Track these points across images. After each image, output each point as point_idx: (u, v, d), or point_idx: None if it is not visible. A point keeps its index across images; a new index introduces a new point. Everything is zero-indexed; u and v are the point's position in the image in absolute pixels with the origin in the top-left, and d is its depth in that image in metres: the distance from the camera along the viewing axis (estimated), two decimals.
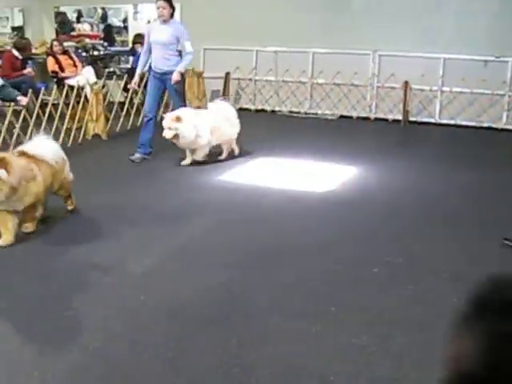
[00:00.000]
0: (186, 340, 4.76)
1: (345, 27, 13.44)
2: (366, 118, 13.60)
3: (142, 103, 12.88)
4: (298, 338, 4.78)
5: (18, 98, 6.20)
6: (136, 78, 10.30)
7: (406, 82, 13.00)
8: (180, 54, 10.11)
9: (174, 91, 10.15)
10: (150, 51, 10.03)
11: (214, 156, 10.01)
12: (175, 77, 9.82)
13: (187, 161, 9.75)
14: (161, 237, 6.84)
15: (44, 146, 7.12)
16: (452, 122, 12.88)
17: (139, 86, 12.89)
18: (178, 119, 9.22)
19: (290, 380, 4.26)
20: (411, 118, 13.24)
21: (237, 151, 10.31)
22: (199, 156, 9.71)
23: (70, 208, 7.61)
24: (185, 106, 10.31)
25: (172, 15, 9.99)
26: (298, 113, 14.12)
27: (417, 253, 6.42)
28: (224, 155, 10.13)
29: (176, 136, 9.28)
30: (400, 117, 13.21)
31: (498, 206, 7.87)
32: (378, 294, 5.50)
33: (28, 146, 6.98)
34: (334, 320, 5.04)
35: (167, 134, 9.23)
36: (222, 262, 6.13)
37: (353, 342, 4.71)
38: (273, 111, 14.32)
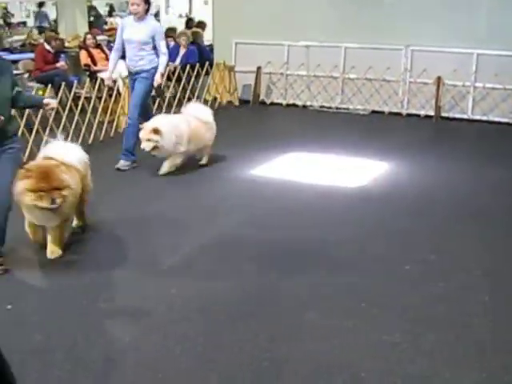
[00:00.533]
0: (216, 334, 4.80)
1: (377, 22, 13.33)
2: (398, 114, 13.49)
3: (173, 97, 12.94)
4: (329, 334, 4.79)
5: (45, 101, 5.89)
6: (108, 75, 9.62)
7: (439, 78, 12.89)
8: (156, 53, 9.25)
9: (139, 95, 9.22)
10: (122, 49, 9.28)
11: (195, 162, 9.41)
12: (158, 79, 9.24)
13: (164, 169, 8.91)
14: (192, 231, 6.88)
15: (69, 150, 6.63)
16: (484, 118, 12.74)
17: (170, 80, 12.97)
18: (156, 131, 8.51)
19: (321, 376, 4.27)
20: (443, 114, 13.11)
21: (205, 160, 9.49)
22: (170, 166, 8.92)
23: (79, 224, 6.85)
24: (145, 115, 9.32)
25: (147, 11, 9.18)
26: (330, 108, 14.05)
27: (448, 250, 6.38)
28: (205, 160, 9.44)
29: (155, 148, 8.61)
30: (432, 112, 13.10)
31: None
32: (409, 290, 5.49)
33: (53, 151, 6.41)
34: (365, 317, 5.05)
35: (146, 146, 8.57)
36: (253, 257, 6.15)
37: (384, 339, 4.71)
38: (304, 106, 14.27)
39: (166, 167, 8.87)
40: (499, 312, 5.15)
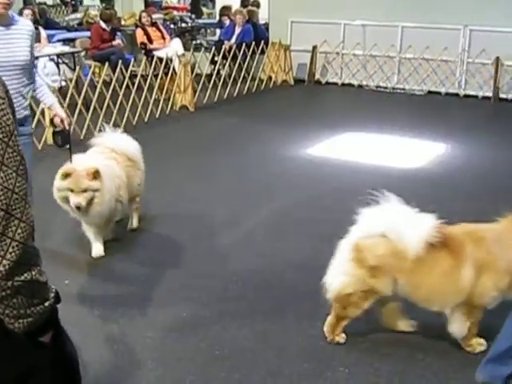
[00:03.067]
0: (273, 313, 4.81)
1: (435, 1, 13.15)
2: (455, 95, 13.31)
3: (229, 75, 12.95)
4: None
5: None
6: None
7: (498, 58, 12.67)
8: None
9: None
10: None
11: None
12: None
13: (98, 248, 5.79)
14: (249, 209, 6.90)
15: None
16: None
17: (226, 58, 12.98)
18: (96, 175, 5.38)
19: (378, 358, 4.25)
20: (502, 95, 12.89)
21: (135, 223, 6.39)
22: (110, 231, 6.05)
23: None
24: None
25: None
26: (386, 88, 13.93)
27: None
28: (135, 223, 6.38)
29: (91, 203, 5.44)
30: (490, 94, 12.88)
31: None
32: None
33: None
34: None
35: (82, 200, 5.34)
36: (310, 236, 6.15)
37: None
38: (360, 86, 14.16)
39: (100, 240, 5.82)
40: None
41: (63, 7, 21.82)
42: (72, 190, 5.34)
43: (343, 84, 14.31)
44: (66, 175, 5.33)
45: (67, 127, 5.27)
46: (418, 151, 9.12)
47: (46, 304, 2.08)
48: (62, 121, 5.17)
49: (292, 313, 4.81)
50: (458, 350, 4.30)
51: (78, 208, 5.36)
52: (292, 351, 4.33)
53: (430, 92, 13.49)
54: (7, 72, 4.62)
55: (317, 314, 4.68)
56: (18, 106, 4.57)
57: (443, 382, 4.03)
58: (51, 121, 5.47)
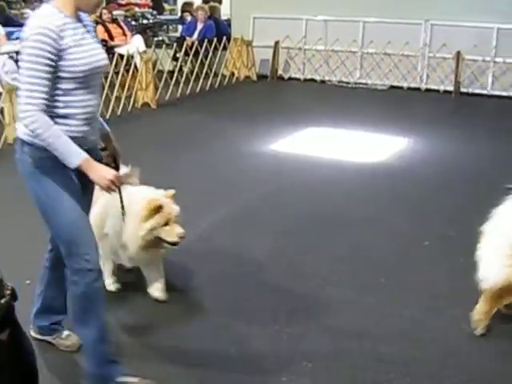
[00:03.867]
0: (239, 306, 4.80)
1: None
2: (417, 89, 13.39)
3: (191, 72, 12.89)
4: (348, 308, 4.78)
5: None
6: None
7: (459, 53, 12.76)
8: None
9: None
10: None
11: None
12: None
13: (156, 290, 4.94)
14: (213, 206, 6.86)
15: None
16: (504, 93, 12.62)
17: (188, 55, 12.92)
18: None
19: (340, 352, 4.25)
20: (463, 89, 12.99)
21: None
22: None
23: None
24: None
25: None
26: (348, 83, 13.97)
27: (468, 226, 6.32)
28: None
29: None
30: (451, 88, 12.98)
31: None
32: (428, 266, 5.47)
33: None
34: (384, 292, 5.03)
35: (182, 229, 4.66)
36: (273, 231, 6.15)
37: (403, 314, 4.69)
38: (322, 81, 14.18)
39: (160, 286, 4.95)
40: None
41: (23, 4, 21.52)
42: (167, 223, 4.56)
43: (306, 79, 14.33)
44: (158, 209, 4.54)
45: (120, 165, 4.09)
46: (380, 146, 9.16)
47: (2, 301, 2.05)
48: (114, 157, 4.02)
49: (255, 309, 4.80)
50: None
51: (181, 238, 4.58)
52: (250, 341, 4.33)
53: (392, 87, 13.57)
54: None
55: (281, 307, 4.68)
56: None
57: None
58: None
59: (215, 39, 13.62)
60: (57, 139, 3.41)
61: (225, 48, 13.97)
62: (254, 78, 14.46)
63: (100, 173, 3.53)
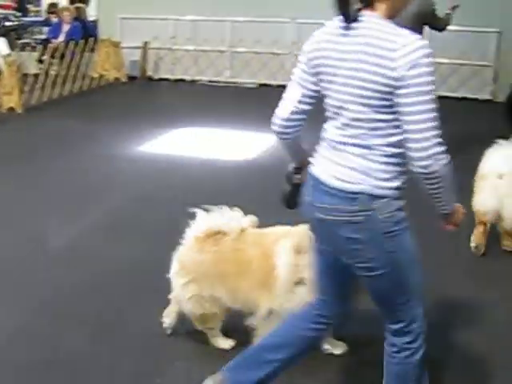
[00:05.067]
0: (109, 313, 4.70)
1: None
2: (286, 87, 13.57)
3: (58, 75, 12.58)
4: None
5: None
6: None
7: None
8: None
9: None
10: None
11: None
12: None
13: None
14: (79, 212, 6.70)
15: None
16: None
17: (54, 57, 12.60)
18: None
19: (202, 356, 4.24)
20: None
21: None
22: None
23: None
24: None
25: None
26: (218, 82, 14.03)
27: None
28: None
29: None
30: None
31: None
32: None
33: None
34: None
35: None
36: (143, 235, 6.05)
37: None
38: (193, 81, 14.19)
39: None
40: None
41: None
42: None
43: (176, 80, 14.30)
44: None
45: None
46: (250, 143, 9.23)
47: None
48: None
49: (129, 312, 4.72)
50: None
51: None
52: (126, 348, 4.25)
53: (262, 85, 13.71)
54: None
55: (155, 310, 4.62)
56: None
57: None
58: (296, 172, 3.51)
59: (82, 41, 13.34)
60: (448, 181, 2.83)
61: (92, 50, 13.72)
62: (124, 79, 14.28)
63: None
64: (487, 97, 12.77)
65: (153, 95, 13.35)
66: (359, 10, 2.78)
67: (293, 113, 3.09)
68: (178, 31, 14.24)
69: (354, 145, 2.83)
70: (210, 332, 4.17)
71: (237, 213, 4.12)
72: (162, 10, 13.90)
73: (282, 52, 13.67)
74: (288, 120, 3.12)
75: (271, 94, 13.00)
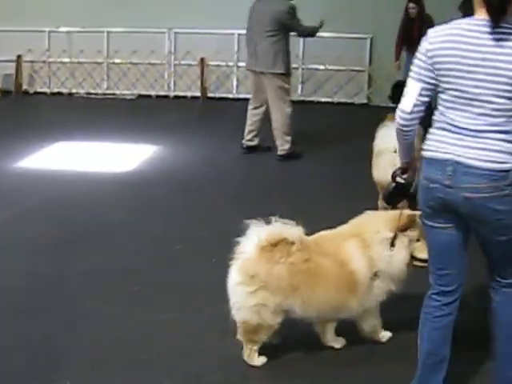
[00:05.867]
0: None
1: (138, 5, 13.28)
2: (165, 96, 13.60)
3: None
4: (106, 320, 4.72)
5: None
6: None
7: (203, 59, 13.12)
8: None
9: None
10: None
11: None
12: None
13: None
14: None
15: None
16: (249, 96, 13.10)
17: None
18: None
19: (97, 366, 4.19)
20: (210, 94, 13.38)
21: None
22: None
23: None
24: None
25: None
26: (96, 94, 13.87)
27: (217, 226, 6.51)
28: None
29: None
30: (198, 93, 13.33)
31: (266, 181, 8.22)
32: (182, 269, 5.55)
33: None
34: (141, 299, 5.03)
35: None
36: (26, 251, 5.91)
37: (162, 319, 4.71)
38: (70, 94, 13.96)
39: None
40: None
41: None
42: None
43: (52, 93, 14.03)
44: None
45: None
46: (130, 155, 9.18)
47: None
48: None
49: (14, 325, 4.60)
50: None
51: None
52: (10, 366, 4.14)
53: (140, 96, 13.66)
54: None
55: (36, 330, 4.53)
56: None
57: None
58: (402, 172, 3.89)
59: None
60: None
61: None
62: None
63: None
64: (363, 101, 13.11)
65: (28, 110, 13.00)
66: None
67: (415, 105, 3.42)
68: (53, 43, 13.97)
69: (496, 131, 3.23)
70: (252, 345, 4.20)
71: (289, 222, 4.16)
72: (35, 22, 13.57)
73: (158, 62, 13.67)
74: (411, 113, 3.45)
75: (150, 104, 13.10)
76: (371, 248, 4.15)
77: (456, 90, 3.28)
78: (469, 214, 3.35)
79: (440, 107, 3.39)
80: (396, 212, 4.19)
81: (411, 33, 10.59)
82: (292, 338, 4.39)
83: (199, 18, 12.90)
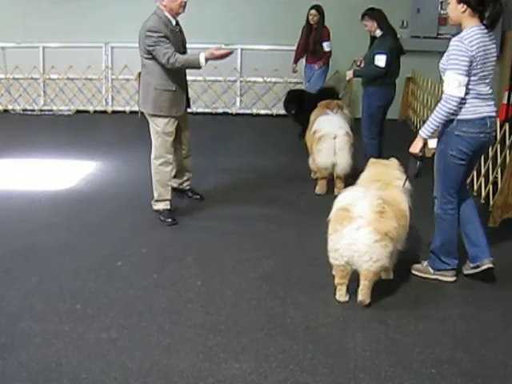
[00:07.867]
0: None
1: (75, 20, 13.20)
2: (104, 112, 13.53)
3: None
4: (46, 340, 4.66)
5: None
6: None
7: (140, 73, 13.03)
8: None
9: None
10: None
11: None
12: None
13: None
14: None
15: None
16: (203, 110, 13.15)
17: None
18: None
19: None
20: None
21: None
22: None
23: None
24: None
25: None
26: (33, 110, 13.71)
27: (160, 241, 6.51)
28: None
29: None
30: (136, 108, 13.26)
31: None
32: (123, 286, 5.51)
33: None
34: (81, 318, 4.98)
35: None
36: None
37: (102, 337, 4.68)
38: (5, 110, 13.78)
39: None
40: (211, 295, 5.35)
41: None
42: None
43: None
44: None
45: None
46: (69, 172, 9.08)
47: None
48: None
49: None
50: None
51: None
52: None
53: (78, 111, 13.56)
54: None
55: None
56: None
57: None
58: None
59: None
60: None
61: None
62: None
63: None
64: None
65: None
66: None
67: (465, 93, 5.11)
68: None
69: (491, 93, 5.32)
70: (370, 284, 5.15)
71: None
72: None
73: (96, 77, 13.59)
74: (463, 98, 5.12)
75: (88, 120, 13.00)
76: (400, 191, 5.55)
77: (480, 72, 5.12)
78: (489, 145, 5.53)
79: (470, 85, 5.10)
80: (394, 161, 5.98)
81: (308, 41, 11.10)
82: None
83: (136, 32, 12.78)
